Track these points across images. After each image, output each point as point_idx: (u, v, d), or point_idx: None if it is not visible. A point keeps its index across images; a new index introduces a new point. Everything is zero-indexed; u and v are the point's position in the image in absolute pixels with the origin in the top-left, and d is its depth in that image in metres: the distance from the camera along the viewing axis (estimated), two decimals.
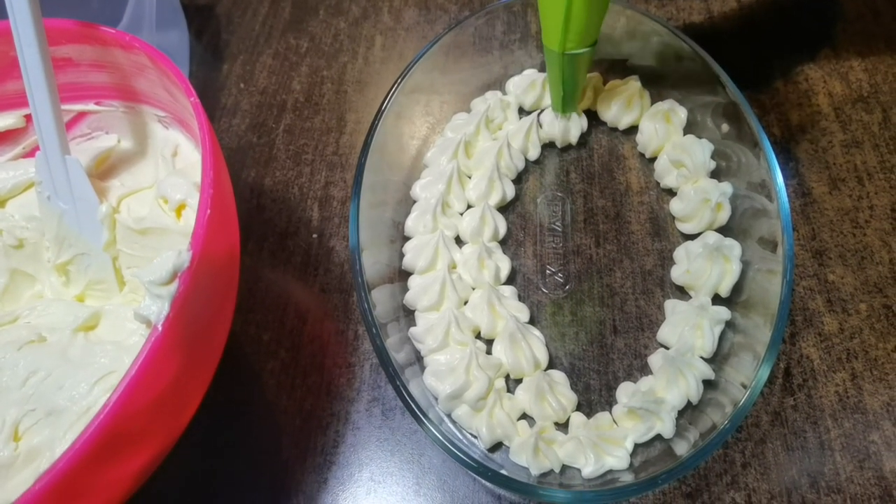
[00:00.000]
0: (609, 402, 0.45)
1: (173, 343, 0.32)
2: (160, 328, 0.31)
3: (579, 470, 0.42)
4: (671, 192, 0.53)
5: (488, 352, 0.47)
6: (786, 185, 0.45)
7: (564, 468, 0.42)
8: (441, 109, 0.58)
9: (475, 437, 0.44)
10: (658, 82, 0.56)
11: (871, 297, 0.48)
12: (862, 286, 0.49)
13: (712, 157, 0.51)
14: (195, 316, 0.35)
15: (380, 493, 0.44)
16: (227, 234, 0.40)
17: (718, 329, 0.46)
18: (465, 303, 0.48)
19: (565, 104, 0.53)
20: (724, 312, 0.46)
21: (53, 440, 0.36)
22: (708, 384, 0.44)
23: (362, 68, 0.63)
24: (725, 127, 0.51)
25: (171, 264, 0.32)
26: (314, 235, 0.54)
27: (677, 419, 0.43)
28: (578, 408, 0.45)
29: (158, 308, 0.32)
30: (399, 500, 0.44)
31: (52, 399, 0.38)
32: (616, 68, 0.58)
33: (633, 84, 0.55)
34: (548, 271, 0.51)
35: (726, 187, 0.50)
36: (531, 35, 0.59)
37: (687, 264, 0.48)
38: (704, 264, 0.47)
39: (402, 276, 0.50)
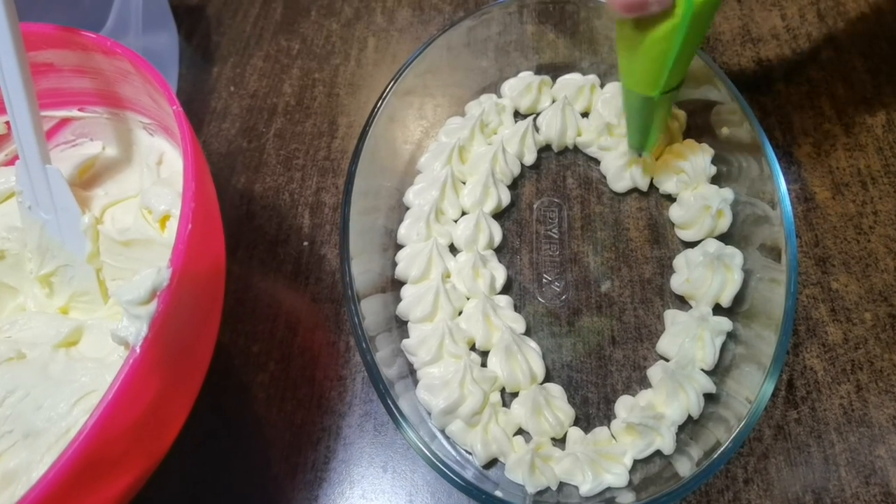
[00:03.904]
0: (607, 416, 0.44)
1: (153, 365, 0.31)
2: (138, 350, 0.30)
3: (577, 487, 0.41)
4: (670, 199, 0.51)
5: (483, 364, 0.45)
6: (788, 190, 0.44)
7: (562, 485, 0.41)
8: (435, 113, 0.56)
9: (470, 453, 0.43)
10: None
11: (877, 306, 0.47)
12: (867, 294, 0.48)
13: (712, 161, 0.50)
14: (176, 335, 0.33)
15: None
16: (211, 248, 0.38)
17: (720, 340, 0.44)
18: (460, 313, 0.47)
19: (651, 143, 0.49)
20: (725, 323, 0.45)
21: (30, 463, 0.35)
22: (709, 398, 0.43)
23: (355, 71, 0.62)
24: (726, 130, 0.50)
25: (149, 283, 0.31)
26: (305, 243, 0.53)
27: (678, 434, 0.42)
28: (576, 422, 0.44)
29: (136, 329, 0.30)
30: None
31: (30, 420, 0.36)
32: (614, 70, 0.56)
33: None
34: (544, 280, 0.49)
35: (727, 193, 0.48)
36: (527, 37, 0.58)
37: (687, 273, 0.47)
38: (705, 273, 0.46)
39: (395, 285, 0.49)
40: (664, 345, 0.45)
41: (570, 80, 0.56)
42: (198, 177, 0.35)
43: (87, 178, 0.48)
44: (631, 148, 0.50)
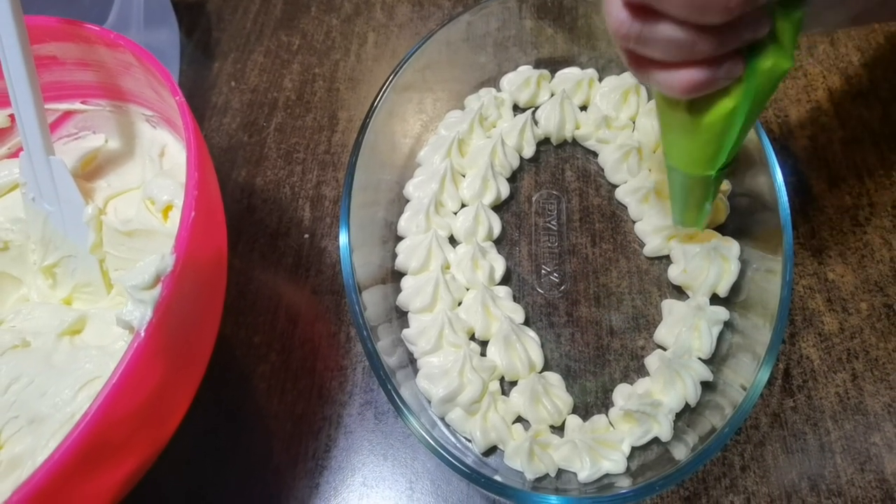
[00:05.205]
0: (605, 405, 0.45)
1: (157, 349, 0.31)
2: (143, 334, 0.30)
3: (575, 474, 0.41)
4: None
5: (482, 354, 0.46)
6: (785, 182, 0.44)
7: (560, 472, 0.42)
8: (434, 107, 0.57)
9: (469, 440, 0.43)
10: None
11: (872, 296, 0.48)
12: (862, 285, 0.48)
13: None
14: (180, 321, 0.34)
15: (372, 499, 0.43)
16: (214, 237, 0.39)
17: (716, 330, 0.45)
18: (459, 304, 0.48)
19: (703, 219, 0.44)
20: (722, 313, 0.45)
21: (36, 449, 0.35)
22: (706, 386, 0.43)
23: (354, 66, 0.63)
24: None
25: (153, 268, 0.31)
26: (306, 236, 0.54)
27: (675, 422, 0.42)
28: (574, 410, 0.44)
29: (141, 313, 0.31)
30: None
31: (35, 406, 0.37)
32: (612, 65, 0.57)
33: (629, 80, 0.54)
34: (543, 271, 0.50)
35: (724, 185, 0.49)
36: (526, 32, 0.58)
37: (684, 263, 0.47)
38: (702, 264, 0.46)
39: (395, 276, 0.49)
40: (661, 334, 0.46)
41: (569, 74, 0.57)
42: (201, 166, 0.36)
43: (90, 171, 0.49)
44: (677, 224, 0.46)
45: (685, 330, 0.44)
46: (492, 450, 0.43)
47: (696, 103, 0.34)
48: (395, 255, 0.50)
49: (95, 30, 0.43)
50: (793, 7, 0.30)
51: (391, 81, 0.51)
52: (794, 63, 0.32)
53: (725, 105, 0.33)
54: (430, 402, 0.43)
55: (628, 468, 0.41)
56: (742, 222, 0.48)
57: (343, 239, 0.44)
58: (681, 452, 0.40)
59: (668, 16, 0.29)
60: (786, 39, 0.31)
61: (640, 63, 0.32)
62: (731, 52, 0.31)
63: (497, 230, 0.51)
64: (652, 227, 0.49)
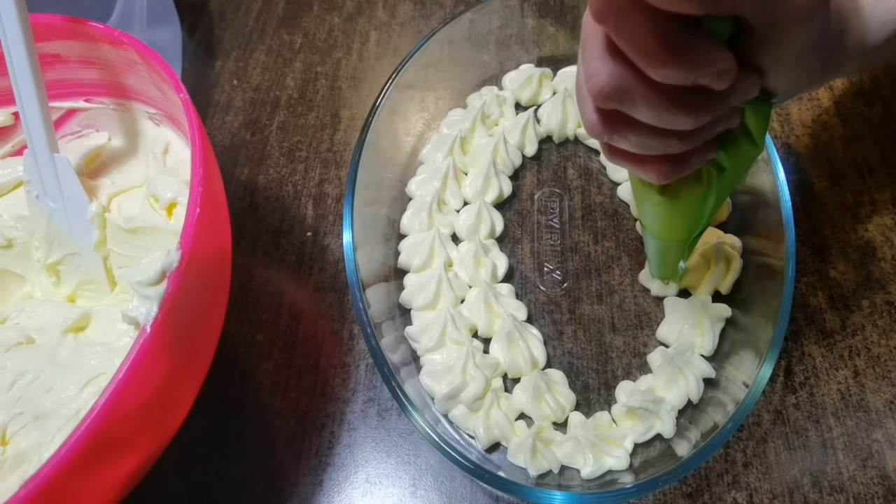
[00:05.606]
0: (608, 402, 0.45)
1: (162, 344, 0.31)
2: (148, 329, 0.31)
3: (578, 470, 0.41)
4: None
5: (485, 351, 0.46)
6: (786, 180, 0.44)
7: (563, 469, 0.42)
8: (436, 105, 0.57)
9: (472, 437, 0.43)
10: None
11: (873, 294, 0.48)
12: (864, 282, 0.48)
13: None
14: (185, 316, 0.34)
15: (375, 495, 0.43)
16: (218, 233, 0.39)
17: (719, 327, 0.45)
18: (462, 301, 0.48)
19: (680, 274, 0.44)
20: (724, 310, 0.45)
21: (41, 444, 0.36)
22: (708, 383, 0.44)
23: (356, 64, 0.63)
24: None
25: (159, 264, 0.32)
26: (308, 234, 0.54)
27: (677, 418, 0.42)
28: (577, 407, 0.44)
29: (147, 309, 0.31)
30: (395, 502, 0.43)
31: (40, 402, 0.37)
32: None
33: None
34: (545, 269, 0.50)
35: None
36: (527, 30, 0.58)
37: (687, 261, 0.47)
38: (704, 261, 0.46)
39: (398, 274, 0.50)
40: (664, 331, 0.46)
41: (571, 72, 0.57)
42: (205, 162, 0.36)
43: (94, 169, 0.49)
44: (654, 277, 0.47)
45: (687, 327, 0.45)
46: (495, 446, 0.43)
47: (668, 186, 0.36)
48: (397, 253, 0.50)
49: (99, 27, 0.43)
50: (761, 102, 0.30)
51: (393, 80, 0.51)
52: (763, 149, 0.33)
53: (697, 189, 0.35)
54: (433, 398, 0.44)
55: (631, 464, 0.41)
56: (744, 219, 0.48)
57: (347, 236, 0.45)
58: (683, 449, 0.41)
59: (639, 121, 0.29)
60: (755, 130, 0.31)
61: (615, 152, 0.33)
62: (701, 144, 0.31)
63: (499, 228, 0.51)
64: None
